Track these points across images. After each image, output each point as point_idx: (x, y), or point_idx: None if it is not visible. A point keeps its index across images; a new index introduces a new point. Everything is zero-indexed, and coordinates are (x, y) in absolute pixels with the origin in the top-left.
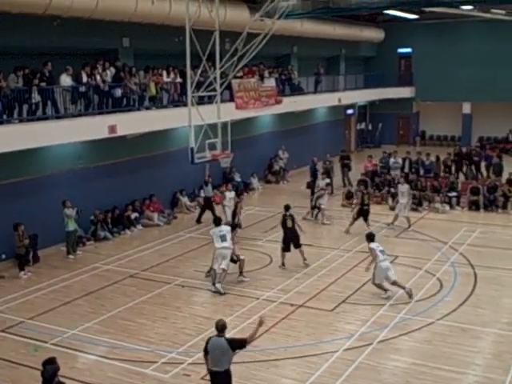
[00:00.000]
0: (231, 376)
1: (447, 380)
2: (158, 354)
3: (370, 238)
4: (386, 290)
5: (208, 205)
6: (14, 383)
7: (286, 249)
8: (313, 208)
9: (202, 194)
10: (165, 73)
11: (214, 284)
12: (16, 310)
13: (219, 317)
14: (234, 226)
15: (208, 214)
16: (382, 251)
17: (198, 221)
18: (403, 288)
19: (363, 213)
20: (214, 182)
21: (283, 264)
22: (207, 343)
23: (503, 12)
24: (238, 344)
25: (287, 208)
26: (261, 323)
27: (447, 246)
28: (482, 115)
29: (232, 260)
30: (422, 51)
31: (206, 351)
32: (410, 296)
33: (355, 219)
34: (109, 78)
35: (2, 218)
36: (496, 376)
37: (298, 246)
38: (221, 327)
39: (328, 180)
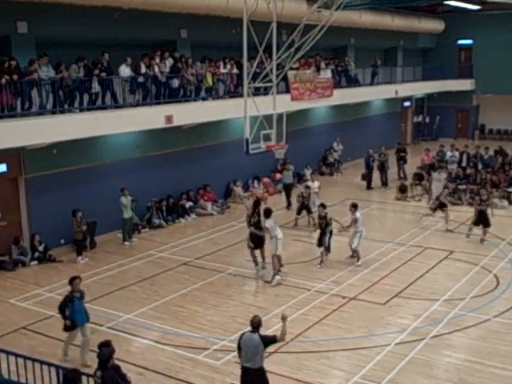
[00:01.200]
0: (265, 374)
1: (502, 378)
2: (210, 340)
3: (356, 207)
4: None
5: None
6: (71, 363)
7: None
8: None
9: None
10: (221, 64)
11: (275, 274)
12: None
13: (270, 306)
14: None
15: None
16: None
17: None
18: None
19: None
20: (267, 173)
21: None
22: (240, 338)
23: None
24: (269, 340)
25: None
26: (284, 318)
27: (505, 242)
28: None
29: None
30: (483, 43)
31: (239, 347)
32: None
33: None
34: (167, 69)
35: (61, 204)
36: None
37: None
38: (256, 324)
39: (317, 183)
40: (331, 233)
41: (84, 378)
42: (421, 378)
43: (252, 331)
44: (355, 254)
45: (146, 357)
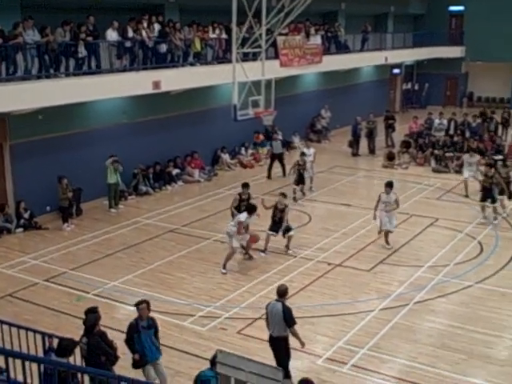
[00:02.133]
0: (288, 343)
1: (483, 343)
2: (196, 307)
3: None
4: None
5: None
6: (56, 330)
7: None
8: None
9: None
10: (210, 29)
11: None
12: (59, 261)
13: (257, 274)
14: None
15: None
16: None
17: (269, 177)
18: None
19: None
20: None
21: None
22: (266, 308)
23: None
24: (290, 319)
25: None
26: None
27: (490, 209)
28: None
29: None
30: (475, 9)
31: (267, 316)
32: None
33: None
34: (154, 34)
35: (47, 171)
36: None
37: None
38: (282, 292)
39: (313, 150)
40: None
41: None
42: (403, 342)
43: (277, 300)
44: (387, 237)
45: None
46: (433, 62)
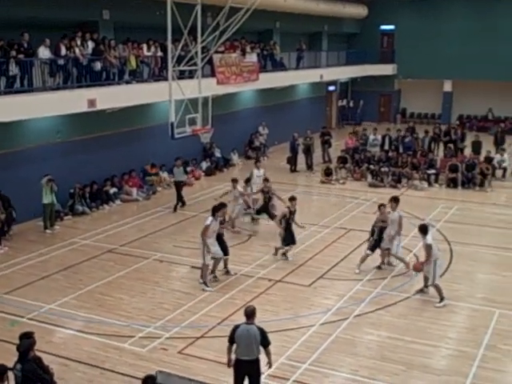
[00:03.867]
0: (260, 364)
1: (421, 353)
2: (136, 328)
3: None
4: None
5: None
6: None
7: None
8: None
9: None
10: (145, 46)
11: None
12: None
13: (197, 292)
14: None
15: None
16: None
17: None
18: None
19: None
20: (193, 157)
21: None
22: (234, 331)
23: None
24: (266, 341)
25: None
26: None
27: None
28: (462, 93)
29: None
30: (405, 28)
31: (231, 340)
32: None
33: None
34: (88, 51)
35: None
36: (469, 349)
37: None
38: (250, 313)
39: (262, 171)
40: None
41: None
42: (344, 356)
43: (247, 322)
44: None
45: (69, 347)
46: (366, 79)
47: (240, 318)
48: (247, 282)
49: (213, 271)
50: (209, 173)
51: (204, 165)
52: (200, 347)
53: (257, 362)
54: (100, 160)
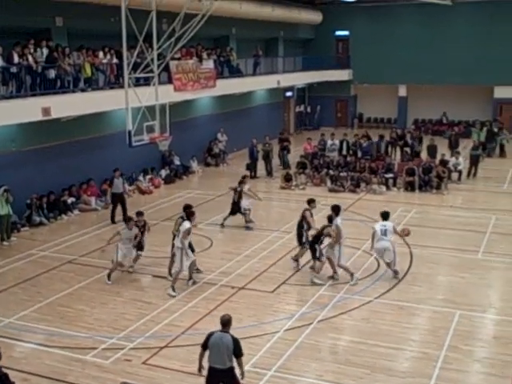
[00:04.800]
0: (236, 375)
1: (385, 356)
2: (98, 340)
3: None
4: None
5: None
6: None
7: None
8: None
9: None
10: (101, 53)
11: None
12: None
13: (159, 301)
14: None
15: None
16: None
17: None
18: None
19: None
20: (153, 166)
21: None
22: (208, 338)
23: None
24: (238, 351)
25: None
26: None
27: None
28: (417, 98)
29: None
30: (359, 34)
31: (204, 346)
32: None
33: None
34: (42, 58)
35: None
36: (431, 351)
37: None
38: (226, 321)
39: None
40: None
41: None
42: (309, 361)
43: (222, 330)
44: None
45: (30, 361)
46: (323, 84)
47: (204, 327)
48: (210, 290)
49: (191, 277)
50: (168, 181)
51: (163, 173)
52: (164, 357)
53: (230, 371)
54: (57, 169)
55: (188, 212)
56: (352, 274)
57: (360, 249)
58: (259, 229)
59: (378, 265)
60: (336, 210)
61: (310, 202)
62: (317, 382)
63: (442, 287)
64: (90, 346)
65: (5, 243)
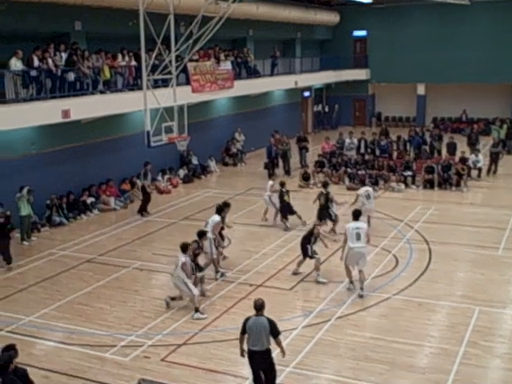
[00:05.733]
0: (271, 355)
1: (404, 352)
2: (117, 337)
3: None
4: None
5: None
6: None
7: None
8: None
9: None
10: (119, 56)
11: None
12: None
13: (178, 299)
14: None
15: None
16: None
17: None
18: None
19: None
20: (171, 166)
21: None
22: (245, 323)
23: None
24: (275, 331)
25: (282, 184)
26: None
27: (403, 223)
28: (435, 96)
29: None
30: (377, 34)
31: (243, 331)
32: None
33: None
34: (62, 62)
35: None
36: (450, 347)
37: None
38: (259, 306)
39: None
40: None
41: None
42: (328, 358)
43: (257, 314)
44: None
45: (50, 359)
46: (341, 84)
47: (222, 324)
48: (228, 288)
49: (217, 269)
50: (186, 180)
51: (182, 172)
52: (183, 354)
53: (268, 353)
54: (76, 170)
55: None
56: (351, 282)
57: (378, 246)
58: (276, 227)
59: (397, 262)
60: (354, 214)
61: (325, 184)
62: (335, 378)
63: (461, 283)
64: (110, 344)
65: (25, 243)
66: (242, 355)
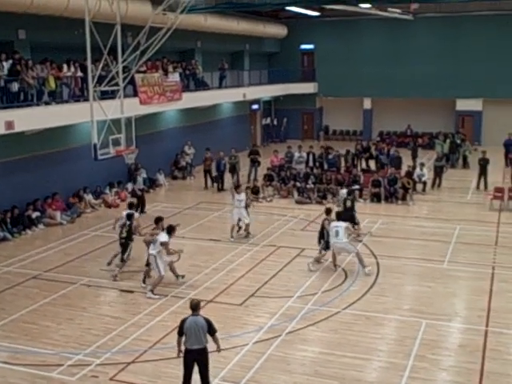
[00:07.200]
0: (208, 353)
1: (353, 366)
2: (64, 356)
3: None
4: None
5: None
6: None
7: None
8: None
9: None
10: (65, 66)
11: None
12: None
13: (127, 316)
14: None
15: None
16: None
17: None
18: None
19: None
20: (118, 179)
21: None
22: (182, 324)
23: (399, 11)
24: (213, 329)
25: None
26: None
27: (351, 237)
28: (381, 110)
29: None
30: (324, 48)
31: (180, 333)
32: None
33: None
34: (4, 72)
35: None
36: (398, 361)
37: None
38: (195, 306)
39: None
40: None
41: None
42: (278, 373)
43: (193, 314)
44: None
45: None
46: (289, 97)
47: (172, 341)
48: (178, 304)
49: (177, 274)
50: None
51: (130, 186)
52: (132, 372)
53: (205, 350)
54: (21, 184)
55: (170, 227)
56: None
57: (327, 260)
58: (226, 241)
59: (346, 276)
60: (336, 215)
61: (328, 211)
62: None
63: (408, 297)
64: (56, 363)
65: None
66: (179, 356)
